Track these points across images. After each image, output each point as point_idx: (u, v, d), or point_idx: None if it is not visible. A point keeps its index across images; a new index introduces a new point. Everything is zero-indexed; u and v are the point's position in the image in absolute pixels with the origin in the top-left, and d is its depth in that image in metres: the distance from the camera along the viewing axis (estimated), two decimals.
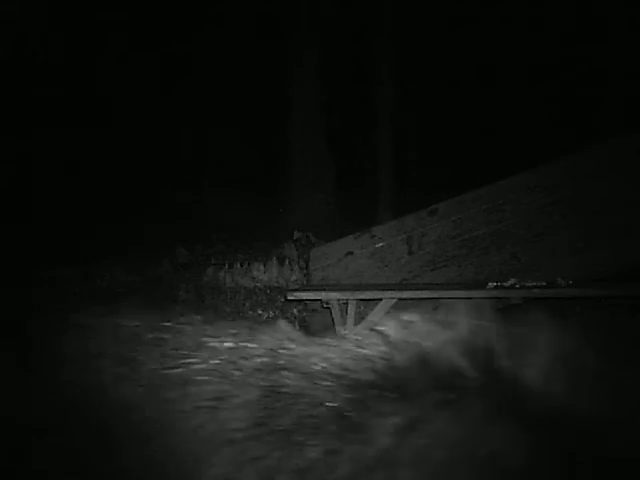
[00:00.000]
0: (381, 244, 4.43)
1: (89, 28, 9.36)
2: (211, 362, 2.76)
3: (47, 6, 8.75)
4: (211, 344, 2.97)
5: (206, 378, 2.60)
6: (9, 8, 8.01)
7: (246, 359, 2.82)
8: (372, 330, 3.37)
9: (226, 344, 2.99)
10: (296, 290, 4.37)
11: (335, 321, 3.96)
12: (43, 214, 7.84)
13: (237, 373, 2.66)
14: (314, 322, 4.45)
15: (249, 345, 2.96)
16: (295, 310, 5.18)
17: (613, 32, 8.62)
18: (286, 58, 8.59)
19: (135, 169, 8.87)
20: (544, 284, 3.90)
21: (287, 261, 6.45)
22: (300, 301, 4.65)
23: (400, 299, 4.02)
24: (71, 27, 9.11)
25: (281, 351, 2.92)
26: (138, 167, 8.91)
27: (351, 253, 4.45)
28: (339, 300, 3.96)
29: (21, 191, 8.08)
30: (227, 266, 6.29)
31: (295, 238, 7.43)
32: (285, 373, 2.60)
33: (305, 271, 5.87)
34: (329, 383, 2.51)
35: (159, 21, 9.79)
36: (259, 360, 2.80)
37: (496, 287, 3.91)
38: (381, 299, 3.92)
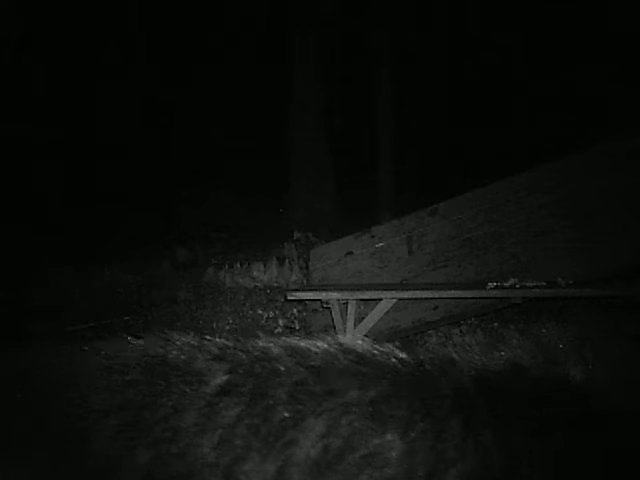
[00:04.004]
0: (381, 244, 4.42)
1: (89, 37, 9.36)
2: None
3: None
4: None
5: None
6: None
7: None
8: None
9: None
10: (296, 290, 4.36)
11: (335, 321, 3.96)
12: (43, 214, 7.83)
13: None
14: (314, 322, 4.45)
15: None
16: (295, 310, 5.18)
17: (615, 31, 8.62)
18: (286, 58, 8.60)
19: (135, 169, 8.87)
20: (544, 284, 3.90)
21: (287, 261, 6.45)
22: (300, 301, 4.65)
23: (400, 299, 4.03)
24: (72, 34, 9.10)
25: None
26: (138, 167, 8.90)
27: (351, 253, 4.44)
28: (339, 300, 3.95)
29: (21, 191, 8.07)
30: (227, 266, 6.29)
31: (295, 238, 7.43)
32: None
33: (305, 271, 5.87)
34: None
35: (158, 21, 9.79)
36: None
37: (496, 287, 3.91)
38: (381, 299, 3.92)
